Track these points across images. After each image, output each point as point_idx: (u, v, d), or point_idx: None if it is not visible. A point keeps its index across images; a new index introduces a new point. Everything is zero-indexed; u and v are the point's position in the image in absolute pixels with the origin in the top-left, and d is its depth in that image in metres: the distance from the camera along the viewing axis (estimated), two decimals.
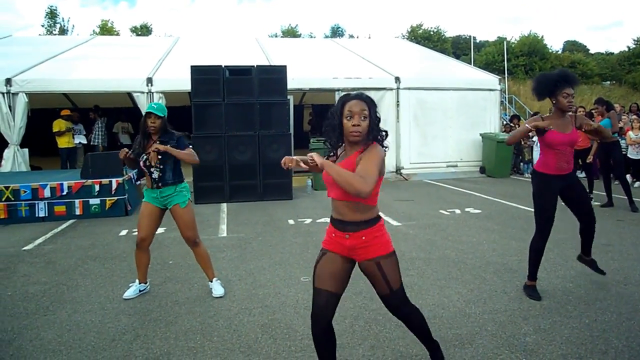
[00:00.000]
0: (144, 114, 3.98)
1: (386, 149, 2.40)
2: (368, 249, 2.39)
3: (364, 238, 2.38)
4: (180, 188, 4.01)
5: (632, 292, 3.93)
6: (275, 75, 9.02)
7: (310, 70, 12.27)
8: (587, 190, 7.94)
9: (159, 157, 3.87)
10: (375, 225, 2.40)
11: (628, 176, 9.60)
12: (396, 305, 2.52)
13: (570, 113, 3.89)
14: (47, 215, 7.23)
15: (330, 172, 2.19)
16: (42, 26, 35.49)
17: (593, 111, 7.69)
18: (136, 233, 6.33)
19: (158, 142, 3.91)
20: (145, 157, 3.89)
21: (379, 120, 2.38)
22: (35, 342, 3.27)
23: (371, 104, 2.35)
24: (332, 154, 2.47)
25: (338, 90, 11.28)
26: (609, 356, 2.91)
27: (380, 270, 2.41)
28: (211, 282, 4.13)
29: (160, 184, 3.92)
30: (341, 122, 2.32)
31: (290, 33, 39.05)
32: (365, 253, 2.40)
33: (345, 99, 2.35)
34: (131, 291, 4.05)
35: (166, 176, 3.95)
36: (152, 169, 3.90)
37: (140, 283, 4.09)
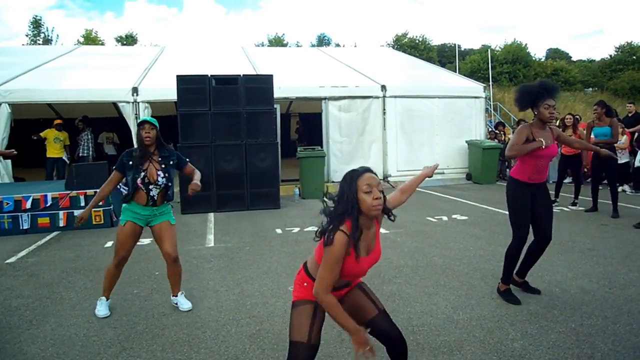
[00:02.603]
0: (130, 123, 3.95)
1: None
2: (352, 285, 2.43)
3: (351, 284, 2.43)
4: (169, 208, 3.99)
5: (617, 296, 3.98)
6: (261, 84, 9.03)
7: (297, 79, 12.30)
8: (570, 195, 8.01)
9: (165, 174, 3.79)
10: None
11: (626, 186, 9.74)
12: (389, 324, 2.39)
13: (549, 126, 3.96)
14: (30, 227, 7.12)
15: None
16: (27, 36, 35.21)
17: (593, 113, 7.59)
18: None
19: (157, 156, 3.82)
20: (143, 173, 3.75)
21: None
22: (18, 356, 3.21)
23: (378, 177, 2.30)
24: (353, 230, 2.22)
25: (325, 98, 11.34)
26: None
27: (364, 292, 2.43)
28: (175, 296, 4.05)
29: (157, 203, 3.83)
30: (356, 198, 2.18)
31: (277, 42, 39.18)
32: (349, 288, 2.42)
33: (356, 173, 2.23)
34: (103, 308, 3.88)
35: (170, 192, 3.89)
36: (150, 186, 3.77)
37: (106, 299, 3.95)
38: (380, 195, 2.21)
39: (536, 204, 3.93)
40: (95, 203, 3.93)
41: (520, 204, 3.91)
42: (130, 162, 3.76)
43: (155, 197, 3.81)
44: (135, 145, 3.85)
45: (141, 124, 3.80)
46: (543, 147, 3.77)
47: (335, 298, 2.21)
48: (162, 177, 3.80)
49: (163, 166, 3.82)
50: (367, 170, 2.25)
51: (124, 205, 3.87)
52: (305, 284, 2.38)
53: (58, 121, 10.98)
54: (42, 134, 10.71)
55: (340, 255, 2.17)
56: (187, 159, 4.04)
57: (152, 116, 10.11)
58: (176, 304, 4.02)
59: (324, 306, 2.19)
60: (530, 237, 3.96)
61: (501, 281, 4.06)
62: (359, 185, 2.19)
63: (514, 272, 4.12)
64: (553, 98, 3.81)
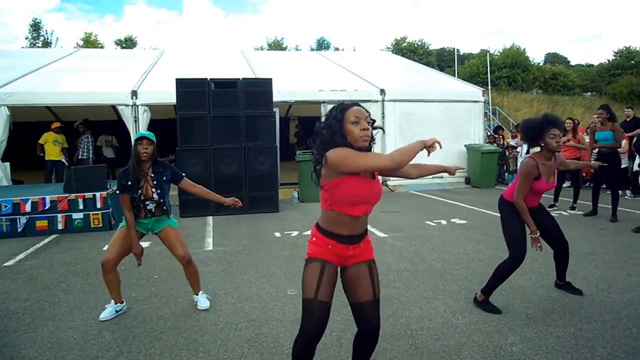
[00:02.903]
0: (129, 127, 3.95)
1: None
2: (362, 254, 2.42)
3: (362, 245, 2.42)
4: (171, 216, 4.04)
5: (616, 300, 3.98)
6: (261, 87, 9.04)
7: (296, 82, 12.32)
8: (568, 200, 8.00)
9: (159, 190, 3.81)
10: (367, 231, 2.49)
11: (627, 192, 9.75)
12: (370, 315, 2.37)
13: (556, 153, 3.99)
14: (28, 230, 7.10)
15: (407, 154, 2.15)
16: (26, 39, 35.24)
17: (595, 116, 7.57)
18: None
19: (151, 172, 3.82)
20: (140, 191, 3.77)
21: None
22: None
23: (367, 112, 2.35)
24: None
25: (324, 102, 11.34)
26: None
27: (370, 273, 2.41)
28: (197, 295, 4.10)
29: (155, 214, 3.88)
30: (343, 128, 2.27)
31: (276, 46, 39.24)
32: (358, 257, 2.41)
33: (345, 106, 2.31)
34: (107, 312, 3.88)
35: (166, 206, 3.92)
36: (147, 202, 3.82)
37: (116, 303, 3.94)
38: (367, 127, 2.25)
39: (538, 219, 3.95)
40: (133, 228, 3.86)
41: (516, 222, 3.88)
42: (129, 183, 3.77)
43: (153, 210, 3.88)
44: (130, 161, 3.82)
45: (139, 140, 3.78)
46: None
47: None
48: (156, 194, 3.83)
49: (155, 182, 3.84)
50: (356, 104, 2.32)
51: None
52: (313, 239, 2.42)
53: (56, 124, 10.97)
54: (40, 141, 10.66)
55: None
56: (184, 174, 4.02)
57: (151, 119, 10.26)
58: (196, 302, 4.07)
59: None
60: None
61: (481, 291, 3.94)
62: (347, 117, 2.26)
63: (557, 277, 4.24)
64: (557, 128, 3.85)
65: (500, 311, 3.81)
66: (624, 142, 9.41)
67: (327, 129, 2.30)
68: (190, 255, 4.01)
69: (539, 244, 3.74)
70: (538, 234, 3.78)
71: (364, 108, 2.33)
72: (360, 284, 2.39)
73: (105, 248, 6.22)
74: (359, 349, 2.51)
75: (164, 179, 3.89)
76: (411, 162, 2.29)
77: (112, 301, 3.96)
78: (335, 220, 2.34)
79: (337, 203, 2.30)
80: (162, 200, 3.87)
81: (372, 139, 2.34)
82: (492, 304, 3.89)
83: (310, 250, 2.42)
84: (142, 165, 3.82)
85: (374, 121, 2.38)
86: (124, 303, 4.03)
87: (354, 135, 2.24)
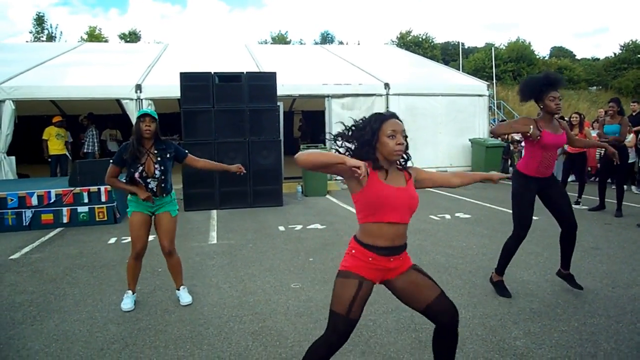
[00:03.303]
0: (134, 120, 3.92)
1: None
2: (404, 263, 2.36)
3: (402, 258, 2.35)
4: (173, 196, 4.01)
5: (620, 295, 3.97)
6: (265, 81, 9.03)
7: (300, 76, 12.30)
8: (573, 194, 7.96)
9: (162, 167, 3.80)
10: (406, 245, 2.39)
11: (633, 187, 9.71)
12: (450, 303, 2.34)
13: (557, 119, 3.95)
14: (34, 223, 7.14)
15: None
16: (30, 33, 35.29)
17: (604, 110, 7.55)
18: (126, 241, 6.30)
19: (153, 149, 3.82)
20: (141, 167, 3.76)
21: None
22: (22, 352, 3.23)
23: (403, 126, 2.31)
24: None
25: (328, 96, 11.33)
26: (598, 359, 2.93)
27: (423, 273, 2.37)
28: (178, 290, 4.11)
29: (157, 194, 3.85)
30: (377, 140, 2.22)
31: (280, 40, 39.16)
32: (401, 267, 2.35)
33: (383, 117, 2.26)
34: (130, 302, 3.93)
35: (168, 185, 3.91)
36: (148, 180, 3.79)
37: (134, 293, 4.02)
38: (403, 142, 2.23)
39: (551, 195, 3.94)
40: (126, 187, 3.85)
41: (525, 200, 3.90)
42: (126, 157, 3.77)
43: (155, 189, 3.84)
44: (131, 138, 3.81)
45: (142, 117, 3.77)
46: (534, 135, 3.74)
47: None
48: (158, 170, 3.81)
49: (159, 159, 3.83)
50: (393, 115, 2.29)
51: (128, 197, 3.92)
52: (353, 251, 2.32)
53: (57, 118, 10.94)
54: (44, 136, 10.66)
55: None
56: (187, 151, 4.03)
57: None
58: (178, 297, 4.08)
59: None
60: (552, 232, 3.93)
61: (495, 271, 4.13)
62: (384, 129, 2.23)
63: (560, 264, 4.14)
64: (557, 90, 3.80)
65: (511, 295, 3.89)
66: (631, 136, 9.36)
67: (359, 140, 2.26)
68: (172, 247, 3.99)
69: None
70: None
71: (400, 121, 2.29)
72: (420, 287, 2.34)
73: (110, 242, 6.28)
74: (442, 348, 2.40)
75: (167, 156, 3.87)
76: (453, 171, 2.30)
77: (129, 291, 3.99)
78: (373, 233, 2.27)
79: (369, 214, 2.25)
80: (163, 177, 3.84)
81: (407, 156, 2.35)
82: (506, 287, 4.00)
83: (347, 263, 2.32)
84: (144, 143, 3.81)
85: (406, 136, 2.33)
86: (135, 293, 4.08)
87: (389, 148, 2.22)
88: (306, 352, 2.35)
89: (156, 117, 3.81)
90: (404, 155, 2.32)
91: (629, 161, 9.29)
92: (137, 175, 3.76)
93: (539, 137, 3.76)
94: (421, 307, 2.34)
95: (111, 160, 3.87)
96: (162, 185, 3.87)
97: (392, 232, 2.25)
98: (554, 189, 3.97)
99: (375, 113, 2.32)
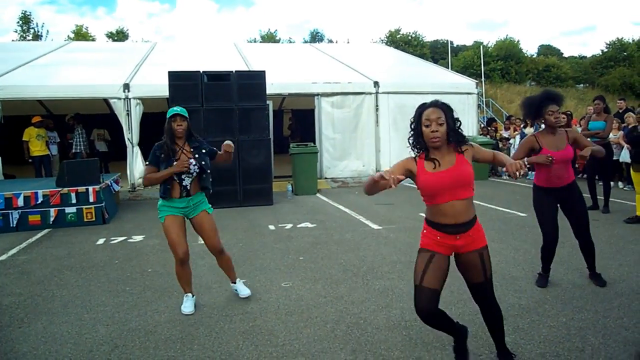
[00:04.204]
0: (121, 120, 3.86)
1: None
2: (473, 243, 2.59)
3: (471, 235, 2.58)
4: (204, 196, 3.90)
5: (607, 290, 4.01)
6: (254, 80, 9.00)
7: (289, 75, 12.27)
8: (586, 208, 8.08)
9: (201, 162, 3.71)
10: (477, 220, 2.63)
11: (620, 183, 9.81)
12: (485, 293, 2.67)
13: (562, 129, 4.03)
14: (21, 224, 7.05)
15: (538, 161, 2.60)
16: (16, 32, 34.80)
17: (590, 107, 7.63)
18: (116, 241, 6.26)
19: (187, 146, 3.75)
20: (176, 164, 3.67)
21: (459, 123, 2.55)
22: (10, 355, 3.19)
23: (447, 110, 2.52)
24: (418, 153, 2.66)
25: (317, 94, 11.32)
26: (585, 354, 2.96)
27: (481, 260, 2.60)
28: (234, 283, 4.11)
29: (190, 193, 3.72)
30: (421, 130, 2.54)
31: (270, 38, 39.04)
32: (469, 246, 2.58)
33: (422, 108, 2.56)
34: (190, 305, 3.83)
35: (207, 183, 3.81)
36: (183, 176, 3.69)
37: (193, 295, 3.92)
38: (437, 129, 2.47)
39: (567, 210, 4.10)
40: (161, 175, 3.69)
41: (544, 208, 4.04)
42: (162, 155, 3.68)
43: (189, 187, 3.73)
44: (164, 138, 3.71)
45: (173, 117, 3.68)
46: (538, 162, 3.88)
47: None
48: (194, 165, 3.70)
49: (196, 156, 3.73)
50: (432, 104, 2.54)
51: (160, 202, 3.77)
52: (424, 231, 2.66)
53: (36, 118, 10.79)
54: (24, 138, 10.52)
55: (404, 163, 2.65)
56: (215, 148, 3.94)
57: (143, 113, 10.19)
58: (236, 290, 4.07)
59: None
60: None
61: (542, 270, 4.25)
62: (422, 120, 2.53)
63: (587, 266, 4.26)
64: (556, 104, 3.89)
65: (545, 285, 4.09)
66: (620, 133, 9.47)
67: (413, 134, 2.62)
68: (222, 245, 3.95)
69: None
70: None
71: (442, 107, 2.52)
72: (472, 270, 2.62)
73: (99, 242, 6.23)
74: (487, 323, 2.80)
75: (203, 151, 3.79)
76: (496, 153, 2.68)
77: (188, 294, 3.89)
78: (436, 213, 2.58)
79: (426, 199, 2.60)
80: (203, 173, 3.75)
81: (462, 141, 2.58)
82: (544, 279, 4.18)
83: (421, 241, 2.66)
84: (177, 142, 3.74)
85: (459, 123, 2.59)
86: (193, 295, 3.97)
87: (426, 136, 2.53)
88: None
89: (187, 115, 3.73)
90: (451, 139, 2.54)
91: (615, 158, 9.40)
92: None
93: (552, 160, 3.84)
94: (467, 283, 2.72)
95: (147, 162, 3.76)
96: (199, 180, 3.78)
97: (450, 210, 2.53)
98: (571, 205, 4.08)
99: (420, 104, 2.61)
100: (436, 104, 2.53)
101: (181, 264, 3.78)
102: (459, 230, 2.55)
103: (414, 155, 2.65)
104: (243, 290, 4.07)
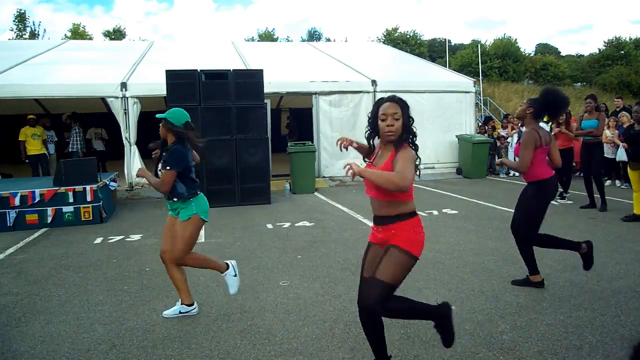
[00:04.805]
0: (118, 119, 3.83)
1: (416, 150, 2.58)
2: (393, 238, 2.53)
3: (393, 231, 2.54)
4: (189, 202, 3.61)
5: (605, 288, 4.02)
6: (252, 79, 8.98)
7: (287, 74, 12.26)
8: (561, 190, 8.06)
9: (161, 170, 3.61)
10: (406, 220, 2.54)
11: (617, 182, 9.84)
12: (366, 294, 2.52)
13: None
14: (18, 224, 7.03)
15: (370, 178, 2.35)
16: (12, 30, 34.68)
17: (586, 105, 7.70)
18: (113, 240, 6.26)
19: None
20: (159, 167, 3.65)
21: (411, 121, 2.55)
22: (7, 354, 3.18)
23: (404, 106, 2.53)
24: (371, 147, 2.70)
25: (315, 93, 11.32)
26: (583, 351, 2.97)
27: (384, 254, 2.52)
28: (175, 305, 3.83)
29: (171, 196, 3.63)
30: (376, 124, 2.55)
31: (267, 37, 39.02)
32: (389, 241, 2.55)
33: (380, 102, 2.56)
34: (170, 310, 3.73)
35: (175, 188, 3.60)
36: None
37: (181, 304, 3.72)
38: (392, 123, 2.48)
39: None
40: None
41: (532, 207, 4.02)
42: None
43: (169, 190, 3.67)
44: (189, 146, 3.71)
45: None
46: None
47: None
48: (160, 170, 3.66)
49: (163, 161, 3.64)
50: (389, 99, 2.55)
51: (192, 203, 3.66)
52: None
53: (30, 116, 10.76)
54: (20, 138, 10.49)
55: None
56: (168, 167, 3.52)
57: (141, 111, 10.17)
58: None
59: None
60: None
61: (530, 273, 4.15)
62: (379, 113, 2.53)
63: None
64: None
65: (544, 285, 4.03)
66: (616, 132, 9.50)
67: (370, 126, 2.63)
68: (174, 258, 3.65)
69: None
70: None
71: (399, 103, 2.53)
72: (371, 261, 2.61)
73: (96, 241, 6.22)
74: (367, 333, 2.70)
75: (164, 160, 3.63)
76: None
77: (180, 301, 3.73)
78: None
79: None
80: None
81: (411, 140, 2.54)
82: (543, 281, 4.10)
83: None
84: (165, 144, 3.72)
85: (412, 120, 2.57)
86: (195, 305, 3.76)
87: (381, 130, 2.53)
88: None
89: (170, 118, 3.68)
90: (404, 136, 2.52)
91: (610, 156, 9.44)
92: (193, 175, 3.68)
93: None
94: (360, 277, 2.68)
95: (173, 169, 3.53)
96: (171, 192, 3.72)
97: (373, 203, 2.61)
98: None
99: (379, 98, 2.63)
100: (393, 99, 2.54)
101: (164, 263, 3.70)
102: (379, 222, 2.59)
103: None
104: (171, 313, 3.73)
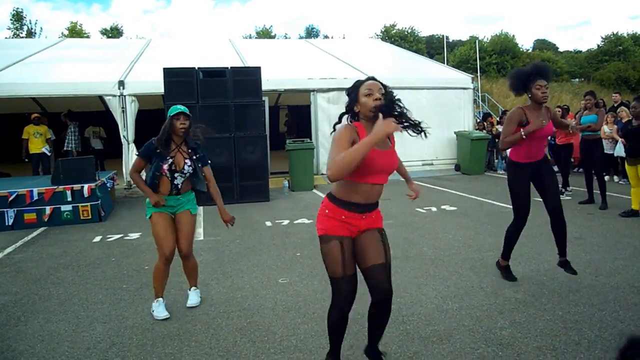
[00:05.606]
0: (116, 117, 3.83)
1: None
2: (373, 223, 2.53)
3: (373, 217, 2.53)
4: (192, 194, 3.86)
5: (603, 284, 4.03)
6: (249, 76, 8.98)
7: (285, 71, 12.25)
8: (560, 186, 8.09)
9: (192, 165, 3.66)
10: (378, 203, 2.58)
11: (615, 177, 9.86)
12: (382, 281, 2.45)
13: (545, 106, 4.02)
14: (17, 223, 7.02)
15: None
16: (8, 29, 34.54)
17: (582, 102, 7.75)
18: (112, 239, 6.25)
19: (184, 146, 3.68)
20: (170, 160, 3.61)
21: (396, 96, 2.43)
22: (7, 354, 3.18)
23: (384, 86, 2.44)
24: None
25: (313, 90, 11.30)
26: (582, 347, 2.98)
27: (382, 238, 2.53)
28: (189, 290, 4.00)
29: (180, 192, 3.69)
30: (356, 101, 2.42)
31: (265, 34, 38.91)
32: (370, 225, 2.51)
33: (360, 81, 2.47)
34: (162, 310, 3.68)
35: (198, 184, 3.75)
36: (176, 174, 3.65)
37: (164, 300, 3.78)
38: (379, 97, 2.36)
39: (537, 182, 4.05)
40: (143, 187, 3.68)
41: (520, 190, 4.02)
42: (158, 150, 3.61)
43: (180, 186, 3.69)
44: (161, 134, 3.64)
45: (177, 115, 3.61)
46: (534, 128, 3.83)
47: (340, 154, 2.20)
48: (189, 166, 3.67)
49: (193, 157, 3.69)
50: (371, 78, 2.46)
51: (147, 200, 3.71)
52: (326, 211, 2.50)
53: (35, 115, 10.75)
54: (24, 136, 10.48)
55: (342, 136, 2.33)
56: (210, 161, 3.85)
57: (139, 110, 10.15)
58: (187, 297, 3.96)
59: (342, 164, 2.17)
60: (536, 222, 3.99)
61: (501, 256, 4.27)
62: (361, 91, 2.41)
63: (558, 251, 4.14)
64: (545, 78, 3.87)
65: (516, 279, 4.09)
66: (614, 128, 9.51)
67: (346, 107, 2.52)
68: (190, 251, 3.84)
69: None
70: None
71: (379, 82, 2.45)
72: (372, 248, 2.47)
73: (95, 240, 6.21)
74: (372, 321, 2.62)
75: (195, 157, 3.71)
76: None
77: (160, 299, 3.74)
78: (350, 190, 2.42)
79: (355, 172, 2.31)
80: (195, 176, 3.72)
81: (402, 120, 2.38)
82: (511, 271, 4.19)
83: (323, 225, 2.49)
84: (175, 139, 3.67)
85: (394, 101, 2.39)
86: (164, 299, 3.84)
87: (366, 106, 2.37)
88: (327, 324, 2.58)
89: (190, 114, 3.68)
90: (407, 123, 2.40)
91: (608, 152, 9.45)
92: (166, 167, 3.60)
93: (544, 124, 3.85)
94: (363, 267, 2.49)
95: (137, 153, 3.70)
96: (190, 181, 3.76)
97: (368, 191, 2.44)
98: (545, 179, 4.04)
99: (356, 80, 2.53)
100: (374, 79, 2.45)
101: (164, 263, 3.68)
102: (366, 209, 2.47)
103: (348, 123, 2.48)
104: (192, 299, 3.89)
